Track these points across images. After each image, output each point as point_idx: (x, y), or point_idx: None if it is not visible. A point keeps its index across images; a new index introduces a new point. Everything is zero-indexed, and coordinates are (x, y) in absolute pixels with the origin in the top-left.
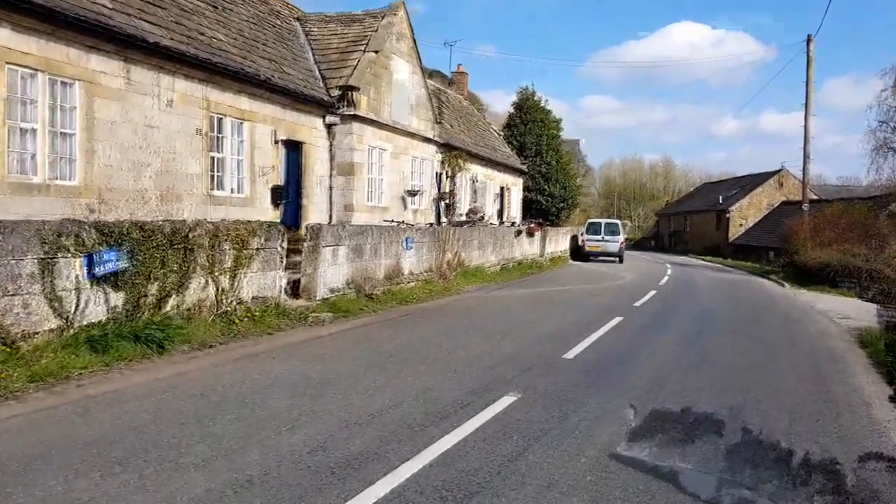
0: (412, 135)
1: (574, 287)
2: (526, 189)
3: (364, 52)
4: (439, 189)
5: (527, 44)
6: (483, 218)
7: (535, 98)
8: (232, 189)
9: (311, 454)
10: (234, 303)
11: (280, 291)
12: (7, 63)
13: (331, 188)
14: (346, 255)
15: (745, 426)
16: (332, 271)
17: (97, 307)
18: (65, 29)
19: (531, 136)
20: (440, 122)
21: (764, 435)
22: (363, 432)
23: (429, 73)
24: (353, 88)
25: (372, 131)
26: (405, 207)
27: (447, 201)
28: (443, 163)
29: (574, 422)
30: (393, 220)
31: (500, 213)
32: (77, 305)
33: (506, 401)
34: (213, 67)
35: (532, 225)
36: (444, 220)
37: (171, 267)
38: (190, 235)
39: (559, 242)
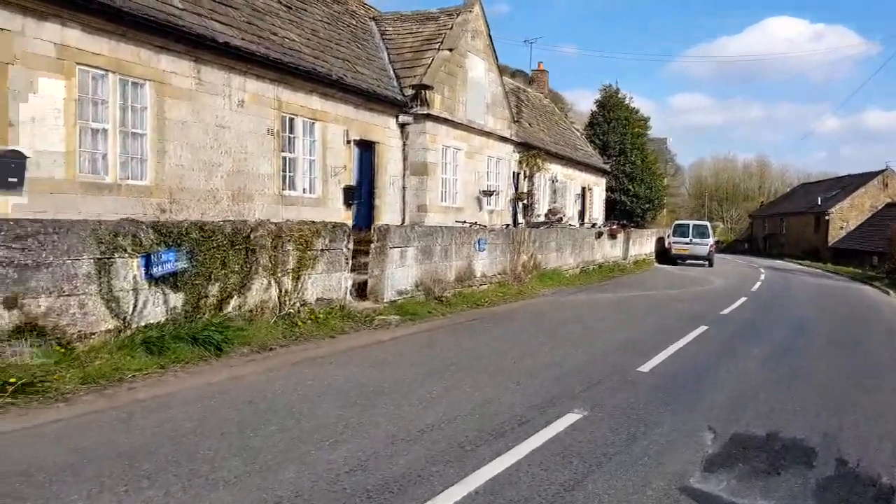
0: (488, 134)
1: (657, 292)
2: (609, 189)
3: (438, 50)
4: (516, 189)
5: (612, 42)
6: (561, 219)
7: (619, 96)
8: (304, 189)
9: (350, 474)
10: (298, 304)
11: (345, 293)
12: (78, 64)
13: (404, 188)
14: (415, 257)
15: (840, 456)
16: (399, 273)
17: (156, 308)
18: (134, 29)
19: (615, 135)
20: (518, 121)
21: (862, 467)
22: (409, 450)
23: (511, 73)
24: (426, 87)
25: (446, 130)
26: (480, 208)
27: (525, 202)
28: (520, 162)
29: (643, 446)
30: (465, 221)
31: (582, 214)
32: (135, 306)
33: (569, 419)
34: (284, 67)
35: (614, 226)
36: (521, 221)
37: (231, 268)
38: (252, 236)
39: (644, 245)
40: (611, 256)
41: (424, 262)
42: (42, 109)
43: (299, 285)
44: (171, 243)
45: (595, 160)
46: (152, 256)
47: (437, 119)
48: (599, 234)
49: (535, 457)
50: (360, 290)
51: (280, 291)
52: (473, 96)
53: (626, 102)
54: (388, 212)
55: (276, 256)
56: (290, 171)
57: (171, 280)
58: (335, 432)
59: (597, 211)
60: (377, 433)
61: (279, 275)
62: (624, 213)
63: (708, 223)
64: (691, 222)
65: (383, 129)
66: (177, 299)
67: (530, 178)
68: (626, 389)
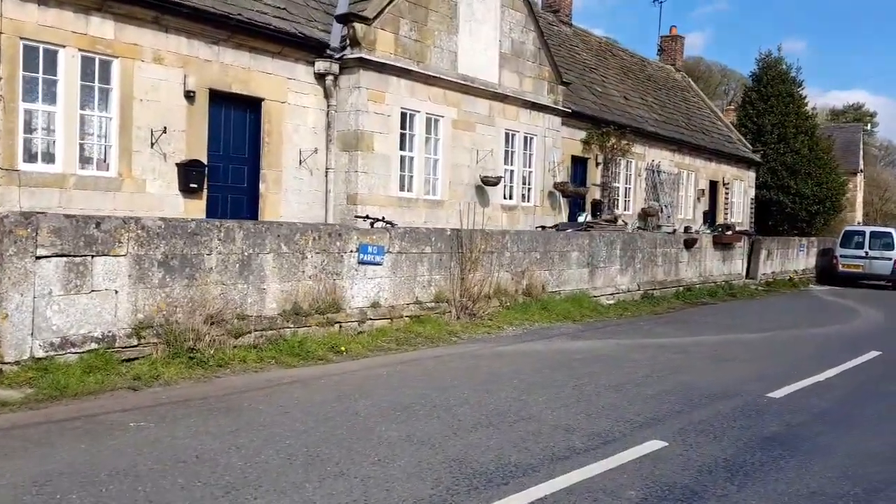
0: (502, 97)
1: (720, 338)
2: (763, 186)
3: None
4: (560, 177)
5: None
6: (616, 219)
7: (780, 68)
8: (82, 161)
9: None
10: None
11: None
12: None
13: (327, 171)
14: (132, 274)
15: None
16: (71, 304)
17: None
18: None
19: (772, 117)
20: (565, 83)
21: None
22: None
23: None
24: (357, 19)
25: (407, 87)
26: (485, 202)
27: (591, 197)
28: (587, 143)
29: None
30: (367, 217)
31: (710, 216)
32: None
33: None
34: None
35: (727, 232)
36: (576, 219)
37: None
38: None
39: (792, 259)
40: (719, 274)
41: (170, 283)
42: None
43: None
44: None
45: (735, 147)
46: None
47: (383, 68)
48: (690, 243)
49: None
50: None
51: None
52: (472, 41)
53: (791, 75)
54: (292, 203)
55: None
56: (40, 133)
57: None
58: None
59: (738, 212)
60: None
61: None
62: (784, 216)
63: (893, 231)
64: (868, 229)
65: (282, 79)
66: None
67: (605, 165)
68: None
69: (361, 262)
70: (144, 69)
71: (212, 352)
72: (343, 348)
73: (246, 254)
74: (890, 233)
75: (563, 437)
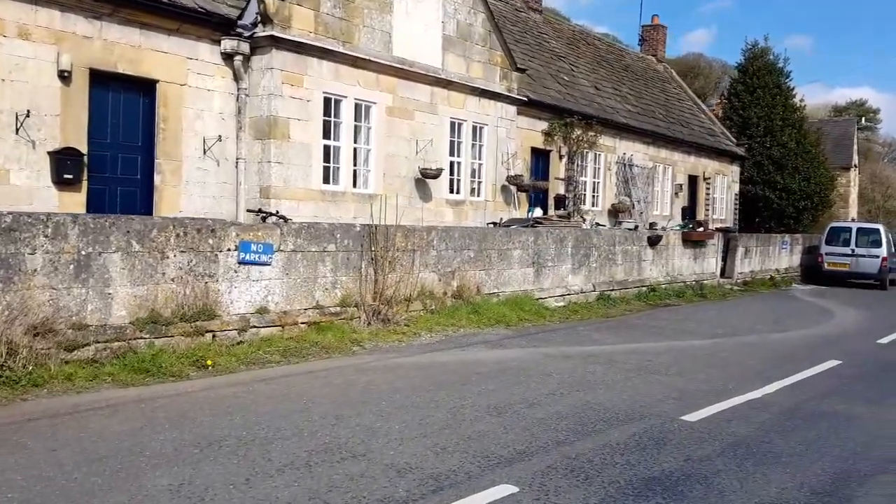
0: (447, 83)
1: (662, 345)
2: (749, 181)
3: None
4: (515, 170)
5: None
6: (570, 215)
7: (767, 58)
8: None
9: None
10: None
11: None
12: None
13: (238, 161)
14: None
15: None
16: None
17: None
18: None
19: (758, 109)
20: (520, 70)
21: None
22: None
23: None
24: None
25: (330, 69)
26: (427, 197)
27: (555, 192)
28: (549, 134)
29: None
30: (261, 211)
31: (690, 212)
32: None
33: None
34: None
35: (698, 229)
36: (531, 213)
37: None
38: None
39: (774, 257)
40: (689, 273)
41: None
42: None
43: None
44: None
45: (717, 141)
46: None
47: (300, 48)
48: (655, 240)
49: None
50: None
51: None
52: (410, 21)
53: (779, 66)
54: (193, 197)
55: None
56: None
57: None
58: None
59: (721, 208)
60: None
61: None
62: (771, 212)
63: (882, 227)
64: (854, 225)
65: (181, 59)
66: None
67: (569, 157)
68: None
69: (243, 262)
70: (7, 45)
71: (29, 369)
72: (210, 362)
73: (84, 253)
74: (878, 229)
75: (388, 482)
